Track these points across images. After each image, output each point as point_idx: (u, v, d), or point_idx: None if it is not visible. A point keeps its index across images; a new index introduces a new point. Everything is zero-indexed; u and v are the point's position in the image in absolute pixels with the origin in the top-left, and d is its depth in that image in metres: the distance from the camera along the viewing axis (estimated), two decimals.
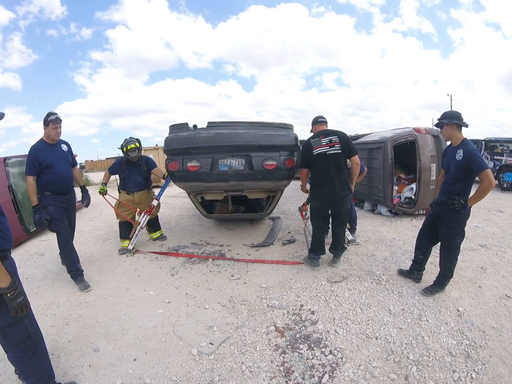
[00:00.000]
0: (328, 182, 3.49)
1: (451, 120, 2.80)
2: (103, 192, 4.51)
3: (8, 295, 1.62)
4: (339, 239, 3.80)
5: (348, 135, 3.85)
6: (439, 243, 3.14)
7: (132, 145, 4.37)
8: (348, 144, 3.52)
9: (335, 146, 3.46)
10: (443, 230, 2.98)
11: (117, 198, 4.64)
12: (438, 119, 2.94)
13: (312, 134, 3.74)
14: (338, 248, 3.80)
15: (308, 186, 4.03)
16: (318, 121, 3.70)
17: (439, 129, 3.00)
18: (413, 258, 3.41)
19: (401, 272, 3.51)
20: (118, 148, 4.53)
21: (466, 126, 2.82)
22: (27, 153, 6.21)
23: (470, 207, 2.87)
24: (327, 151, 3.45)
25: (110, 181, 4.78)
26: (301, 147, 3.86)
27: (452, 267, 3.03)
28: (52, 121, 3.33)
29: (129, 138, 4.48)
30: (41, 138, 3.43)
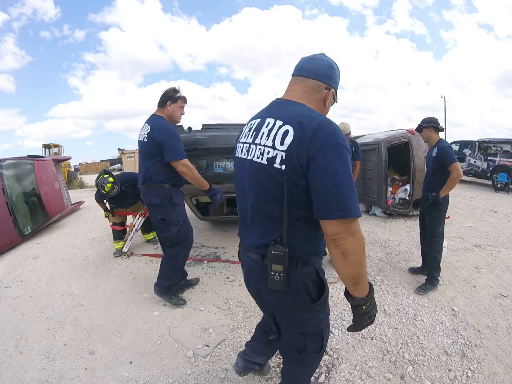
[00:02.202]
0: None
1: (429, 124, 3.16)
2: (108, 216, 4.58)
3: (364, 307, 1.20)
4: None
5: None
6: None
7: (109, 184, 4.02)
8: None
9: None
10: (428, 220, 3.22)
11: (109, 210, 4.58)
12: (418, 125, 3.28)
13: None
14: None
15: None
16: None
17: (419, 132, 3.31)
18: (421, 253, 3.51)
19: (414, 271, 3.57)
20: (95, 191, 4.44)
21: (442, 130, 3.20)
22: (21, 155, 6.25)
23: (448, 198, 3.12)
24: None
25: None
26: None
27: (438, 256, 3.16)
28: (181, 99, 2.84)
29: (99, 178, 4.11)
30: (162, 117, 2.83)
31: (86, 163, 34.92)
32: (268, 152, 1.15)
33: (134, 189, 4.51)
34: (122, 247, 4.42)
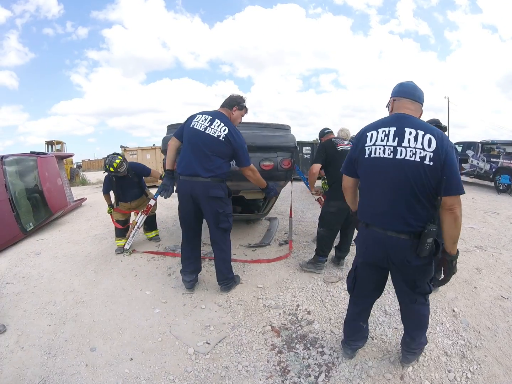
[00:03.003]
0: None
1: (431, 124, 3.04)
2: (111, 212, 4.61)
3: (454, 262, 1.79)
4: (350, 240, 3.75)
5: None
6: None
7: (118, 161, 4.15)
8: None
9: None
10: None
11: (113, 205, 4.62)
12: None
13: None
14: (347, 250, 3.79)
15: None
16: (326, 133, 3.94)
17: None
18: None
19: None
20: (103, 172, 4.51)
21: (445, 129, 3.19)
22: (24, 152, 6.27)
23: None
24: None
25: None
26: (298, 147, 3.83)
27: None
28: (245, 109, 3.17)
29: (108, 157, 4.26)
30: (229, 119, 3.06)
31: (89, 160, 35.00)
32: (420, 153, 1.64)
33: (140, 180, 4.61)
34: (124, 245, 4.44)
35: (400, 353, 2.19)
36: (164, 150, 3.96)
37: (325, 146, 3.63)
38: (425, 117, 3.34)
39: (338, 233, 3.75)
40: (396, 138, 1.70)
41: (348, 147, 3.42)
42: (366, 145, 1.80)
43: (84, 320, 2.82)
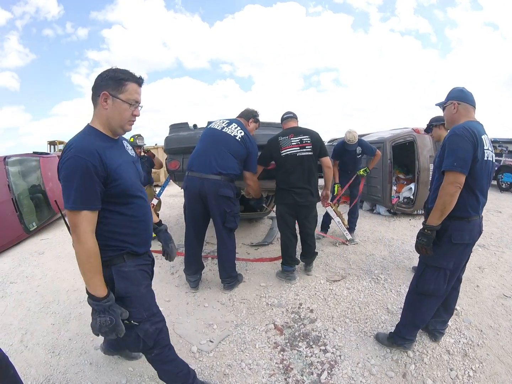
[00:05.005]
0: (297, 186, 3.21)
1: (438, 122, 3.11)
2: None
3: None
4: (311, 246, 3.51)
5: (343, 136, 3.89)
6: None
7: (136, 135, 4.54)
8: (320, 146, 3.27)
9: (306, 147, 3.19)
10: None
11: None
12: (427, 125, 3.24)
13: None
14: (309, 256, 3.56)
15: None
16: (284, 118, 3.43)
17: (429, 133, 3.29)
18: None
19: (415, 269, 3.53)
20: None
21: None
22: (26, 152, 6.28)
23: None
24: (297, 152, 3.18)
25: None
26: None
27: None
28: (259, 123, 3.41)
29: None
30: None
31: None
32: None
33: (150, 167, 4.84)
34: None
35: (430, 334, 2.45)
36: (167, 150, 3.97)
37: (271, 146, 3.29)
38: (429, 115, 3.33)
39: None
40: (489, 144, 1.98)
41: (296, 150, 3.19)
42: (484, 148, 1.94)
43: (87, 319, 2.79)
